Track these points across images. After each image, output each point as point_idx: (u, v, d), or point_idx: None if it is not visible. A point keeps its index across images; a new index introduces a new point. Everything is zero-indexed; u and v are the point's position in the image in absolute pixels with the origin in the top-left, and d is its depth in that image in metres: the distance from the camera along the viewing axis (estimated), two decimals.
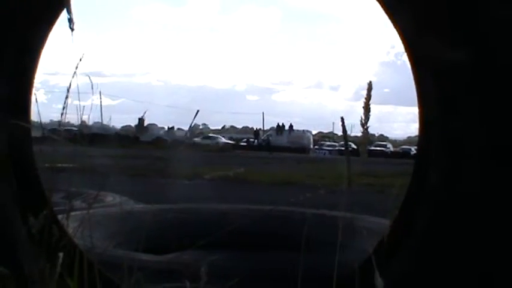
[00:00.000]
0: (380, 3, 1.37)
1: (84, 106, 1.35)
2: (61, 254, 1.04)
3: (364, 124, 0.99)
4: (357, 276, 1.09)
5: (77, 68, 1.19)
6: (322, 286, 1.16)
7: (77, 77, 1.19)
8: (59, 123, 1.23)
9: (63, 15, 1.57)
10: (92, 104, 1.41)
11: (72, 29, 1.19)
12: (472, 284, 1.17)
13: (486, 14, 1.13)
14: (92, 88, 1.30)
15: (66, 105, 1.19)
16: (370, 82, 1.02)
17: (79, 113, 1.37)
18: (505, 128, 1.12)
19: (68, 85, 1.18)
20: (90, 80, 1.29)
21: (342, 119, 0.98)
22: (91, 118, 1.60)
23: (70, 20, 1.19)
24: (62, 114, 1.18)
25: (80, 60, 1.19)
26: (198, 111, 1.32)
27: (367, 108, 0.99)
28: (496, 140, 1.13)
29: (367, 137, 1.04)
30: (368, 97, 1.00)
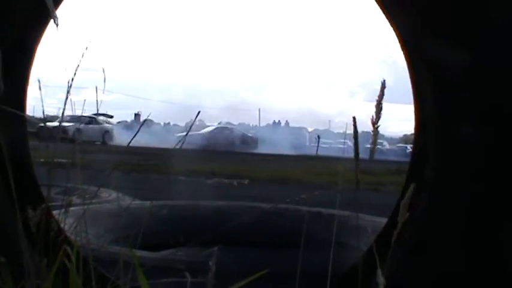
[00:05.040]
0: (377, 2, 1.37)
1: (77, 101, 1.35)
2: (64, 248, 1.04)
3: (375, 123, 0.99)
4: (354, 274, 1.10)
5: (79, 62, 1.18)
6: (319, 284, 1.17)
7: (75, 72, 1.18)
8: (60, 119, 1.23)
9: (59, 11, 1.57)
10: (85, 100, 1.41)
11: (57, 25, 1.18)
12: (467, 282, 1.17)
13: (487, 15, 1.13)
14: (104, 82, 1.29)
15: (66, 101, 1.19)
16: (384, 81, 1.02)
17: (75, 109, 1.38)
18: (501, 127, 1.13)
19: (69, 80, 1.18)
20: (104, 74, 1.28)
21: (354, 118, 0.97)
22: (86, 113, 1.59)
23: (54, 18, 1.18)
24: (63, 110, 1.18)
25: (82, 55, 1.18)
26: (199, 112, 1.34)
27: (378, 108, 0.98)
28: (493, 140, 1.13)
29: (376, 137, 1.03)
30: (381, 95, 0.99)
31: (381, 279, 0.82)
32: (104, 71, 1.43)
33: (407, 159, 1.53)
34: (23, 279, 1.13)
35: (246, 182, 1.34)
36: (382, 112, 0.98)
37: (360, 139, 0.99)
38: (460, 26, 1.15)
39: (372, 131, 0.99)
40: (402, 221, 0.91)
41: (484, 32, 1.13)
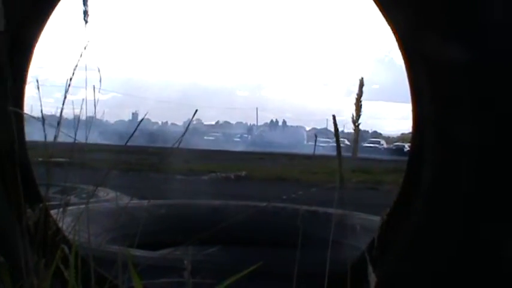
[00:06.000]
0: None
1: (74, 101, 1.35)
2: (61, 247, 1.04)
3: (355, 121, 0.99)
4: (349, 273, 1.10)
5: (77, 61, 1.18)
6: (315, 283, 1.17)
7: (74, 71, 1.19)
8: (59, 119, 1.23)
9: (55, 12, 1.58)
10: (83, 99, 1.41)
11: (86, 22, 1.18)
12: (464, 282, 1.17)
13: (484, 10, 1.13)
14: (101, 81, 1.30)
15: (65, 100, 1.19)
16: (362, 78, 1.01)
17: (74, 108, 1.38)
18: (498, 127, 1.13)
19: (68, 80, 1.18)
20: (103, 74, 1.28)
21: (334, 117, 0.97)
22: (83, 113, 1.59)
23: (85, 13, 1.18)
24: (61, 109, 1.18)
25: (81, 55, 1.18)
26: (196, 110, 1.33)
27: (358, 105, 0.98)
28: (490, 139, 1.14)
29: (358, 135, 1.03)
30: (360, 94, 0.99)
31: (372, 277, 0.82)
32: (99, 70, 1.43)
33: (405, 158, 1.53)
34: (21, 279, 1.13)
35: (243, 173, 1.34)
36: (362, 110, 0.98)
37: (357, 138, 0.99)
38: (457, 21, 1.15)
39: (354, 130, 0.99)
40: (384, 219, 0.92)
41: (480, 28, 1.13)
